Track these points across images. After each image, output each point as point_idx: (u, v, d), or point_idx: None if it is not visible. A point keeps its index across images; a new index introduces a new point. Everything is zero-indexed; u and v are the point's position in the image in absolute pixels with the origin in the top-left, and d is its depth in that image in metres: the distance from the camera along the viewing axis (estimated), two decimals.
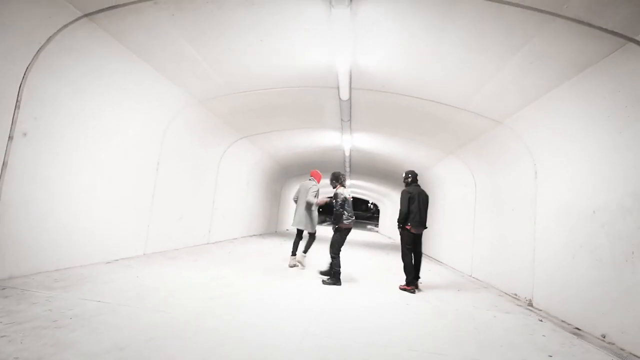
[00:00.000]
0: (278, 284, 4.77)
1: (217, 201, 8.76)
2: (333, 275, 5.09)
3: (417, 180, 5.63)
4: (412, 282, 5.20)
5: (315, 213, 6.27)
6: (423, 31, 3.72)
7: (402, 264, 5.35)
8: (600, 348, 3.27)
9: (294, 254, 6.17)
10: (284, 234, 14.88)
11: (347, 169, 14.44)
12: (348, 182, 19.66)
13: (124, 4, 3.40)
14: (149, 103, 5.34)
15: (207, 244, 8.30)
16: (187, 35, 4.07)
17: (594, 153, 3.92)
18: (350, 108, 6.56)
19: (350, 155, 11.20)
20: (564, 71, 3.74)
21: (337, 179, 5.58)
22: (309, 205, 6.07)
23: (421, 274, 5.53)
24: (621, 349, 3.26)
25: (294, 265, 6.09)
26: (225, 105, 6.46)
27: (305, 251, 6.22)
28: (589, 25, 2.96)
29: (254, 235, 12.26)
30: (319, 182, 6.34)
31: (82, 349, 2.20)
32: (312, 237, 6.36)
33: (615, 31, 2.94)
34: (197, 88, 5.58)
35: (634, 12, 2.72)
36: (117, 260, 5.04)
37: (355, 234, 19.84)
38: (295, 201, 6.29)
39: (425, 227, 5.41)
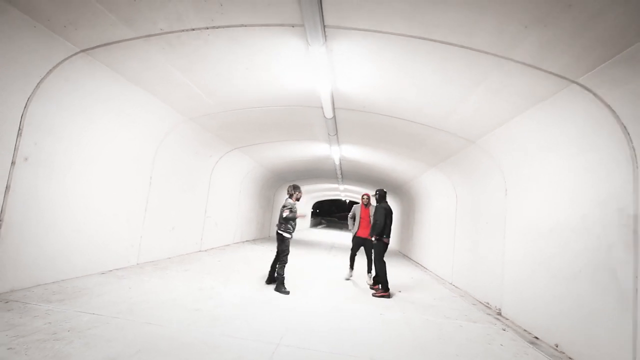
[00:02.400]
0: (261, 292, 5.07)
1: (210, 210, 9.06)
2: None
3: (385, 197, 6.13)
4: (388, 288, 5.67)
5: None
6: (394, 65, 4.06)
7: (379, 273, 5.75)
8: (550, 357, 3.61)
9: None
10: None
11: (339, 176, 14.79)
12: (342, 186, 20.00)
13: (118, 41, 3.71)
14: (142, 122, 5.65)
15: (199, 251, 8.60)
16: (177, 64, 4.39)
17: (552, 176, 4.27)
18: (336, 124, 6.89)
19: (340, 164, 11.55)
20: (523, 102, 4.08)
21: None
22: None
23: (404, 280, 5.89)
24: (570, 358, 3.61)
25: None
26: (216, 122, 6.78)
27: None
28: (536, 67, 3.30)
29: (247, 241, 12.55)
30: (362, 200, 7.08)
31: None
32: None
33: (560, 74, 3.28)
34: (188, 107, 5.89)
35: (573, 60, 3.06)
36: (111, 270, 5.34)
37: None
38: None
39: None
